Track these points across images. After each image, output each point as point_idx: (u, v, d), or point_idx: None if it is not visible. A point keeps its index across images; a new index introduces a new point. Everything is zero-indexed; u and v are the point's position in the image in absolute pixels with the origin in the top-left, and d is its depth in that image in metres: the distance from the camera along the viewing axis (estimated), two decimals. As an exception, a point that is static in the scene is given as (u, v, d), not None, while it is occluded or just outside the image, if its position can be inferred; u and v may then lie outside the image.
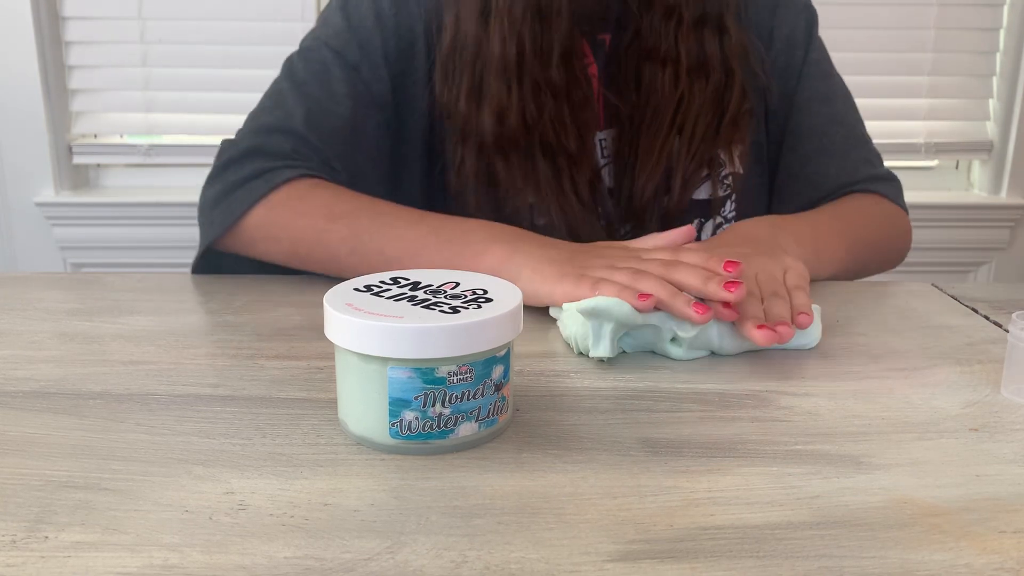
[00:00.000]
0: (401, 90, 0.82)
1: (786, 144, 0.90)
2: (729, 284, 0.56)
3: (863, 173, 0.87)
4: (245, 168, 0.75)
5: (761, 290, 0.61)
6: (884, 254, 0.87)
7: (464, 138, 0.79)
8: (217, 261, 0.78)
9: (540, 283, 0.63)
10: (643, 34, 0.80)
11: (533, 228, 0.77)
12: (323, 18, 0.83)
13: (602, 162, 0.83)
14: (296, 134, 0.77)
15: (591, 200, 0.80)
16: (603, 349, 0.56)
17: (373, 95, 0.80)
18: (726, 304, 0.57)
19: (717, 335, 0.58)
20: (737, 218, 0.85)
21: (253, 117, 0.81)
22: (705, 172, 0.82)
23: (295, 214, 0.72)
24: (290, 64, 0.81)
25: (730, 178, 0.85)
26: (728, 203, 0.85)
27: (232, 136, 0.80)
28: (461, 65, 0.78)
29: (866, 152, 0.90)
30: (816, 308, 0.61)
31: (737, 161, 0.84)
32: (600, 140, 0.83)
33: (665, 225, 0.81)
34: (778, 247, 0.69)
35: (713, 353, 0.59)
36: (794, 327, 0.57)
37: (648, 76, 0.80)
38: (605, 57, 0.83)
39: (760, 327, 0.56)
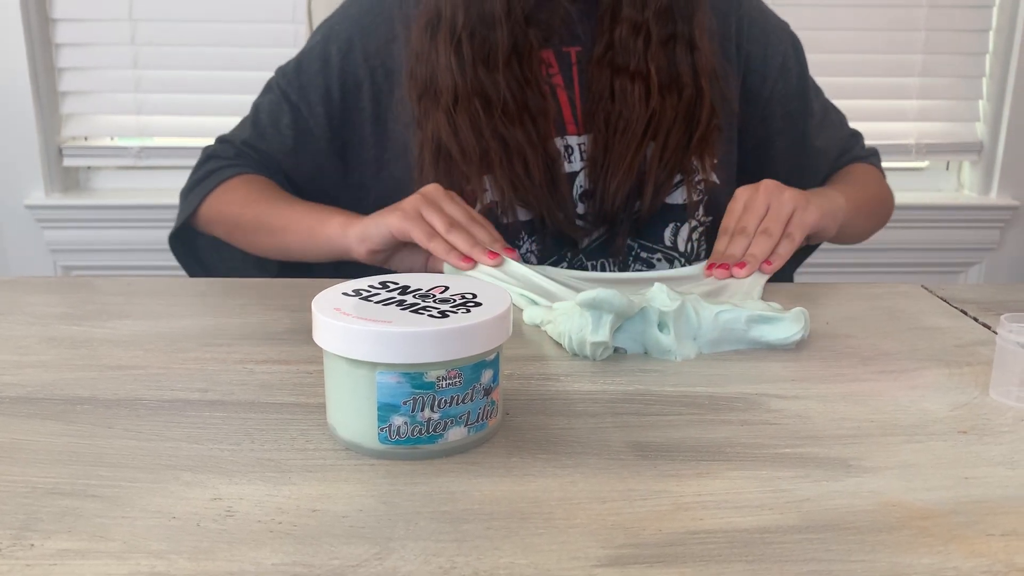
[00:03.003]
0: (348, 124, 0.93)
1: (815, 159, 1.01)
2: (492, 254, 0.73)
3: (858, 151, 1.03)
4: (202, 169, 0.95)
5: (760, 225, 0.76)
6: (884, 212, 1.02)
7: (421, 127, 0.85)
8: (194, 240, 0.98)
9: (374, 219, 0.78)
10: (615, 48, 0.85)
11: (499, 228, 0.83)
12: (291, 60, 0.96)
13: (578, 166, 0.86)
14: (237, 146, 0.95)
15: (546, 180, 0.84)
16: (602, 335, 0.57)
17: (311, 127, 0.93)
18: None
19: (693, 313, 0.60)
20: (711, 224, 0.90)
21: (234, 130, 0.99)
22: (679, 177, 0.87)
23: (225, 205, 0.91)
24: (260, 96, 0.97)
25: (703, 184, 0.88)
26: (701, 208, 0.89)
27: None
28: (417, 72, 0.85)
29: (856, 138, 1.04)
30: (802, 311, 0.61)
31: (710, 170, 0.88)
32: (579, 145, 0.87)
33: (637, 228, 0.87)
34: (819, 192, 0.84)
35: (702, 352, 0.60)
36: (754, 268, 0.73)
37: (620, 89, 0.84)
38: (576, 67, 0.87)
39: (718, 266, 0.74)
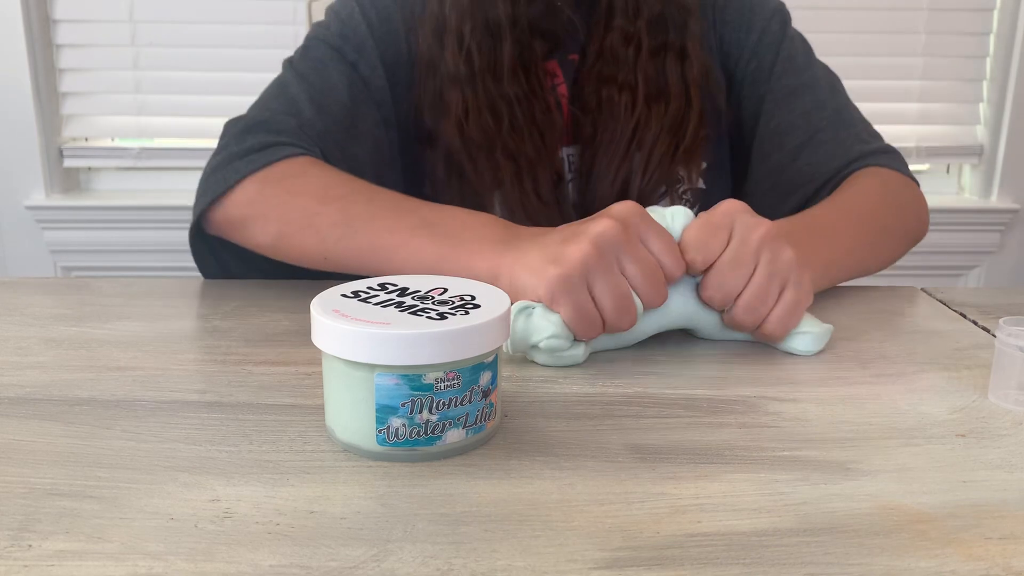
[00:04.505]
0: (394, 98, 0.84)
1: (770, 144, 0.87)
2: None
3: (856, 151, 0.83)
4: (248, 140, 0.73)
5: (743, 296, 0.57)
6: (901, 235, 0.80)
7: (432, 145, 0.82)
8: (220, 254, 0.78)
9: (527, 276, 0.56)
10: (604, 57, 0.82)
11: None
12: (317, 24, 0.84)
13: (568, 177, 0.85)
14: (302, 115, 0.76)
15: (553, 199, 0.82)
16: (579, 356, 0.57)
17: (371, 91, 0.81)
18: None
19: (702, 312, 0.60)
20: None
21: (257, 103, 0.80)
22: (663, 189, 0.84)
23: (288, 193, 0.69)
24: (290, 61, 0.82)
25: (688, 194, 0.86)
26: None
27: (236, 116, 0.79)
28: (425, 79, 0.81)
29: (857, 130, 0.86)
30: (823, 324, 0.61)
31: (697, 178, 0.86)
32: (568, 156, 0.85)
33: None
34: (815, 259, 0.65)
35: (690, 332, 0.61)
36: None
37: (606, 99, 0.82)
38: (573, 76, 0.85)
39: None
